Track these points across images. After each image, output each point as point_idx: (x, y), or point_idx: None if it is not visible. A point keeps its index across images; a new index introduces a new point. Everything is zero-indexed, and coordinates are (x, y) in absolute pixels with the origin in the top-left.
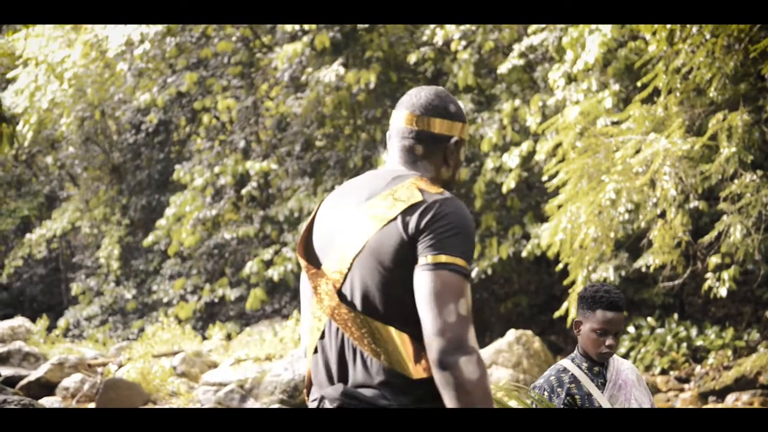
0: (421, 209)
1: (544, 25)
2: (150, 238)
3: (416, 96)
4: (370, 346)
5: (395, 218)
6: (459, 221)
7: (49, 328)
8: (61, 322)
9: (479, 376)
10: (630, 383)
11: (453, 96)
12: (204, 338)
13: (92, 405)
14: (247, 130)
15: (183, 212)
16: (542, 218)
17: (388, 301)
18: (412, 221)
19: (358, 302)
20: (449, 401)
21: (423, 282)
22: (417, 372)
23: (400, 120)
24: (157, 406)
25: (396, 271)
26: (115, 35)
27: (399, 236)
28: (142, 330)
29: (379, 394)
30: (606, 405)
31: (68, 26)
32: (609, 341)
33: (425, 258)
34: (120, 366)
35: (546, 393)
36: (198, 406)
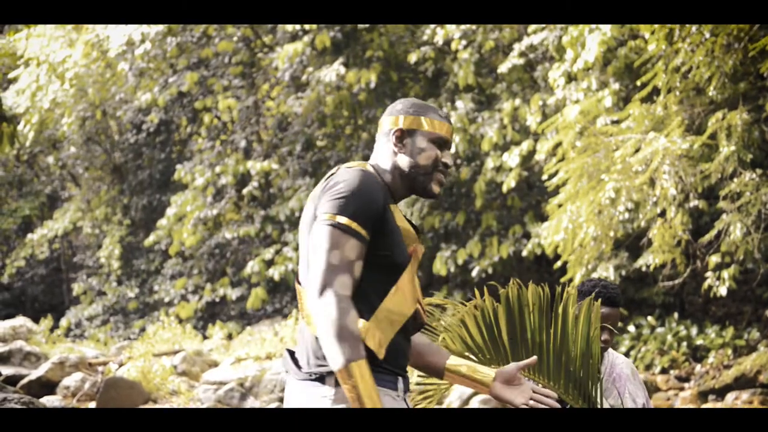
0: (326, 180)
1: (544, 25)
2: (151, 238)
3: None
4: (302, 312)
5: (317, 194)
6: (351, 186)
7: (51, 328)
8: (63, 322)
9: (337, 317)
10: (624, 377)
11: (419, 101)
12: (205, 337)
13: (93, 404)
14: (248, 130)
15: (184, 212)
16: (542, 217)
17: (308, 268)
18: (319, 190)
19: (300, 274)
20: (320, 339)
21: (312, 236)
22: None
23: None
24: (157, 405)
25: (310, 239)
26: (116, 35)
27: (313, 207)
28: (143, 330)
29: (295, 355)
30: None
31: (69, 26)
32: (604, 336)
33: (316, 217)
34: (120, 365)
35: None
36: (198, 404)
